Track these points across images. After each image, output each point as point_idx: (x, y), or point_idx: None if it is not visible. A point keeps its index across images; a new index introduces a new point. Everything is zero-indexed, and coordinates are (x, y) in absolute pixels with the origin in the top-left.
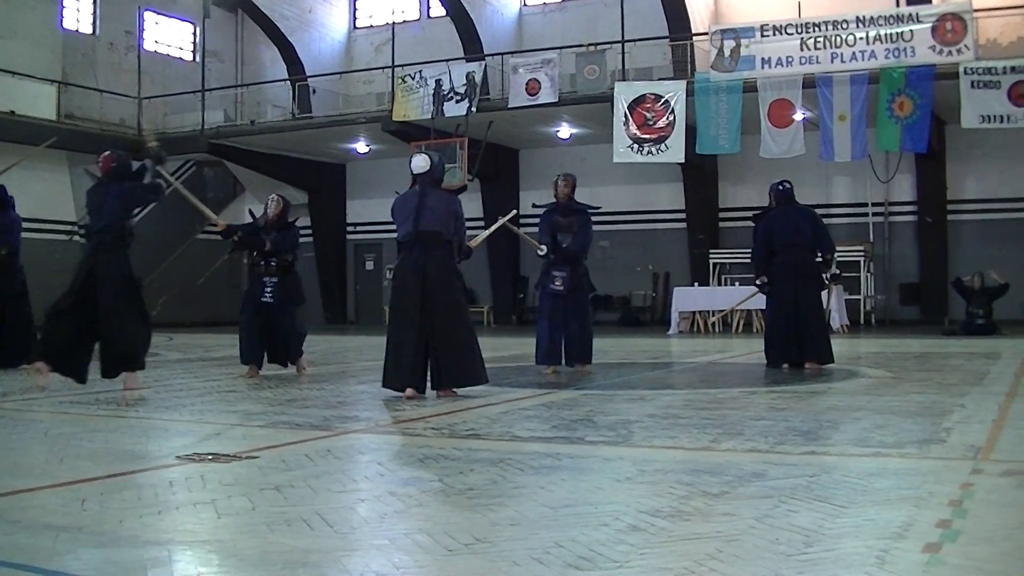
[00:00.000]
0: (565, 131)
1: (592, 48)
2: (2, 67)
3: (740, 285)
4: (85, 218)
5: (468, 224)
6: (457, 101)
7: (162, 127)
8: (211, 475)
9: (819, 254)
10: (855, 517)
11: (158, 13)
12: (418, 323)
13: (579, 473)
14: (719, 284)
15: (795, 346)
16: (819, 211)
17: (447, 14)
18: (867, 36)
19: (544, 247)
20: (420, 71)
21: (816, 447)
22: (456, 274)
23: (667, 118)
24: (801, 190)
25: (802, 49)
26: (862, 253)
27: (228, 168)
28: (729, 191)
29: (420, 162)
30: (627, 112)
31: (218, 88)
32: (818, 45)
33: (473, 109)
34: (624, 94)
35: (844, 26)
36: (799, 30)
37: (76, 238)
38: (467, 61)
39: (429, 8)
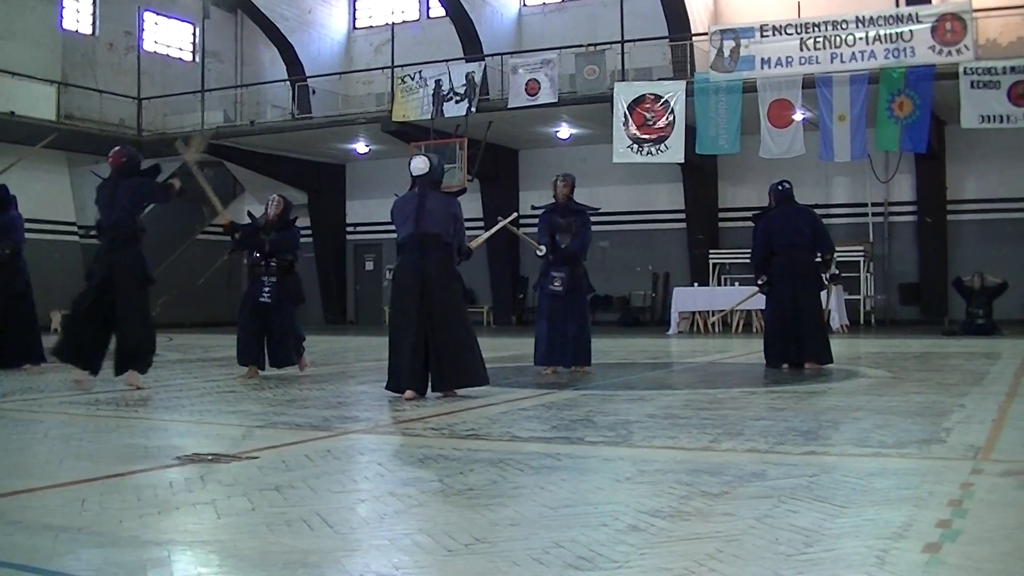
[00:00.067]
0: (565, 131)
1: (592, 48)
2: (2, 68)
3: (740, 285)
4: (95, 216)
5: (467, 225)
6: (457, 101)
7: (162, 128)
8: (211, 475)
9: (819, 254)
10: (855, 517)
11: (158, 13)
12: (417, 325)
13: (579, 473)
14: (719, 284)
15: (794, 346)
16: (819, 211)
17: (447, 14)
18: (867, 36)
19: (543, 247)
20: (420, 71)
21: (816, 447)
22: (455, 276)
23: (667, 118)
24: (801, 190)
25: (802, 49)
26: (862, 253)
27: (228, 168)
28: (729, 191)
29: (419, 164)
30: (627, 112)
31: (218, 88)
32: (818, 45)
33: (473, 109)
34: (624, 94)
35: (844, 26)
36: (799, 30)
37: (76, 238)
38: (467, 61)
39: (429, 8)
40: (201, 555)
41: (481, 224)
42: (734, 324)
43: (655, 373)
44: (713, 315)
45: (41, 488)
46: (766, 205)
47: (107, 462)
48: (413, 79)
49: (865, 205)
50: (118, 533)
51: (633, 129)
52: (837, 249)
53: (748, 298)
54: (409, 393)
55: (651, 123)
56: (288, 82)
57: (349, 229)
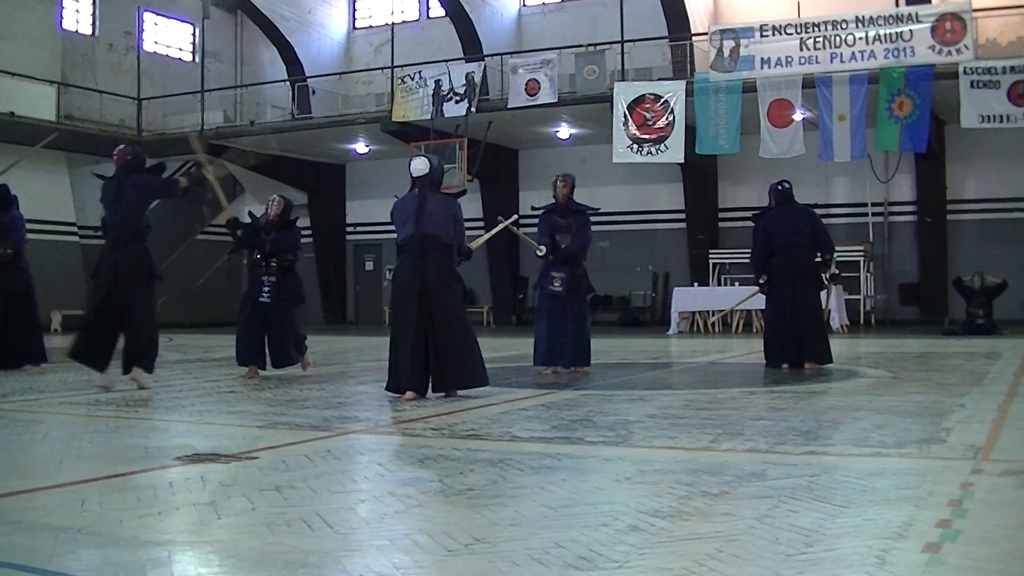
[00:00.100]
0: (564, 131)
1: (591, 48)
2: (2, 68)
3: (740, 285)
4: (102, 214)
5: (467, 225)
6: (456, 101)
7: (162, 128)
8: (211, 476)
9: (818, 254)
10: (855, 517)
11: (157, 14)
12: (417, 325)
13: (579, 473)
14: (719, 284)
15: (794, 346)
16: (818, 211)
17: (446, 14)
18: (866, 36)
19: (543, 248)
20: (419, 71)
21: (816, 447)
22: (455, 277)
23: (666, 118)
24: (801, 190)
25: (801, 49)
26: (862, 253)
27: (228, 169)
28: (729, 191)
29: (419, 165)
30: (626, 112)
31: (217, 89)
32: (817, 45)
33: (472, 109)
34: (623, 94)
35: (843, 26)
36: (798, 30)
37: (76, 238)
38: (466, 61)
39: (428, 8)
40: (201, 555)
41: (481, 224)
42: (734, 324)
43: (655, 373)
44: (713, 315)
45: (41, 488)
46: (766, 205)
47: (107, 462)
48: (413, 79)
49: (865, 205)
50: (118, 533)
51: (633, 129)
52: (837, 249)
53: (748, 298)
54: (409, 394)
55: (651, 123)
56: (288, 82)
57: (349, 229)
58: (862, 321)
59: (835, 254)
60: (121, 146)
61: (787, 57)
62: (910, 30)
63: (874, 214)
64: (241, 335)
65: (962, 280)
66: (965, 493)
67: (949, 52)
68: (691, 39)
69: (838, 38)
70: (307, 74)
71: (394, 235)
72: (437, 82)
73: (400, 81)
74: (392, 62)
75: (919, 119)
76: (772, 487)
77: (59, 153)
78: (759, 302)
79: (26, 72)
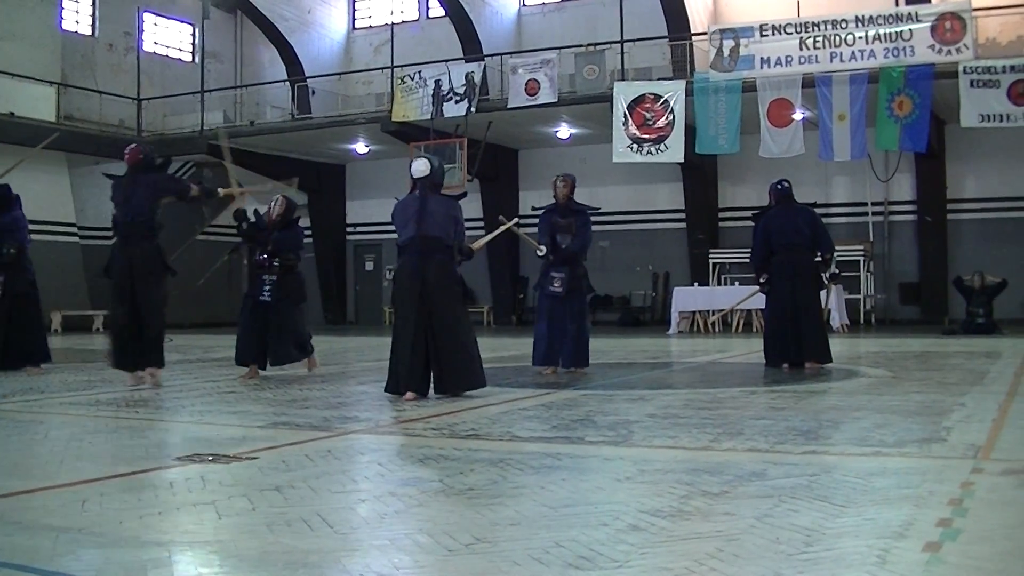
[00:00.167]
0: (564, 131)
1: (591, 48)
2: (2, 68)
3: (740, 285)
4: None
5: (467, 225)
6: (456, 101)
7: (161, 128)
8: (211, 476)
9: (818, 254)
10: (855, 516)
11: (157, 14)
12: (417, 326)
13: (579, 473)
14: (719, 284)
15: (794, 346)
16: (819, 211)
17: (446, 14)
18: (866, 35)
19: (543, 248)
20: (419, 71)
21: (816, 446)
22: (455, 278)
23: (666, 118)
24: (800, 190)
25: (801, 49)
26: (862, 252)
27: (227, 169)
28: (729, 191)
29: (420, 166)
30: (626, 112)
31: (217, 89)
32: (817, 44)
33: (472, 109)
34: (623, 94)
35: (843, 25)
36: (798, 30)
37: (76, 239)
38: (466, 61)
39: (428, 8)
40: (201, 555)
41: (481, 224)
42: (734, 324)
43: (655, 373)
44: (713, 315)
45: (41, 489)
46: (766, 204)
47: (107, 463)
48: (413, 79)
49: (865, 204)
50: (118, 533)
51: (633, 129)
52: (837, 248)
53: (748, 297)
54: (409, 395)
55: (651, 123)
56: (288, 82)
57: (349, 229)
58: (862, 321)
59: (835, 253)
60: (132, 145)
61: (787, 57)
62: (910, 29)
63: (874, 213)
64: (242, 334)
65: (962, 279)
66: (965, 492)
67: (949, 51)
68: (691, 39)
69: (838, 37)
70: (307, 74)
71: (394, 235)
72: (437, 82)
73: (400, 81)
74: (392, 62)
75: (919, 118)
76: (772, 486)
77: (59, 153)
78: (759, 302)
79: (26, 72)
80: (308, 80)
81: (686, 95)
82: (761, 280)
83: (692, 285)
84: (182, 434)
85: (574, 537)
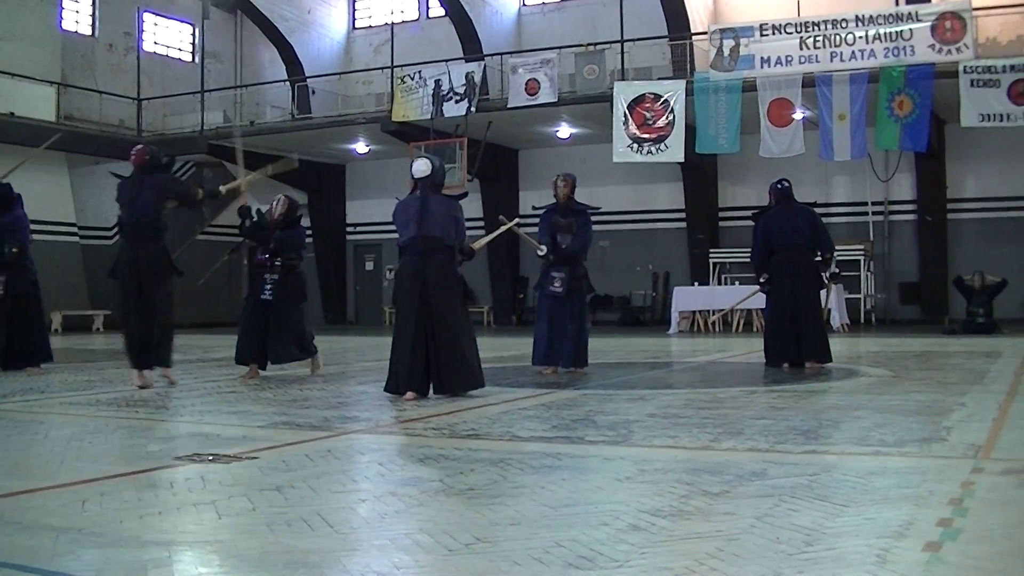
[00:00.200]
0: (564, 131)
1: (591, 48)
2: (1, 68)
3: (740, 284)
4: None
5: (467, 225)
6: (456, 101)
7: (161, 128)
8: (211, 476)
9: (818, 253)
10: (855, 516)
11: (157, 14)
12: (416, 325)
13: (579, 473)
14: (719, 283)
15: (794, 345)
16: (819, 210)
17: (446, 14)
18: (866, 35)
19: (544, 247)
20: (419, 71)
21: (816, 446)
22: (456, 279)
23: (666, 118)
24: (801, 189)
25: (801, 48)
26: (862, 252)
27: (227, 169)
28: (729, 191)
29: (421, 166)
30: (626, 112)
31: (217, 89)
32: (817, 44)
33: (472, 109)
34: (623, 94)
35: (843, 25)
36: (798, 29)
37: (76, 239)
38: (466, 61)
39: (428, 8)
40: (202, 555)
41: (481, 224)
42: (734, 323)
43: (655, 372)
44: (713, 314)
45: (41, 489)
46: (766, 204)
47: (108, 462)
48: (413, 79)
49: (865, 204)
50: (119, 533)
51: (633, 129)
52: (837, 248)
53: (748, 297)
54: (409, 394)
55: (651, 122)
56: (288, 82)
57: (349, 229)
58: (862, 320)
59: (835, 253)
60: (139, 147)
61: (787, 56)
62: (910, 29)
63: (874, 213)
64: (242, 334)
65: (962, 279)
66: (966, 492)
67: (949, 51)
68: (691, 38)
69: (838, 37)
70: (307, 74)
71: (394, 235)
72: (437, 82)
73: (400, 81)
74: (392, 62)
75: (919, 118)
76: (773, 486)
77: (59, 153)
78: (759, 301)
79: (26, 72)
80: (308, 80)
81: (686, 95)
82: (761, 280)
83: (692, 285)
84: (182, 434)
85: (574, 537)
